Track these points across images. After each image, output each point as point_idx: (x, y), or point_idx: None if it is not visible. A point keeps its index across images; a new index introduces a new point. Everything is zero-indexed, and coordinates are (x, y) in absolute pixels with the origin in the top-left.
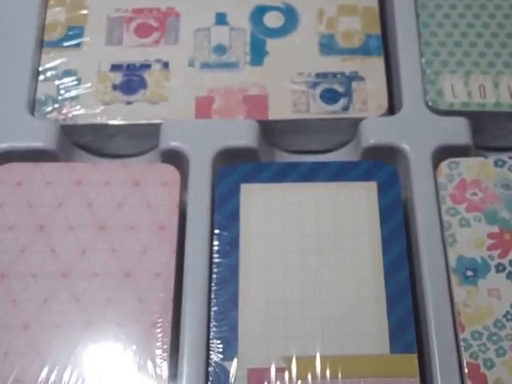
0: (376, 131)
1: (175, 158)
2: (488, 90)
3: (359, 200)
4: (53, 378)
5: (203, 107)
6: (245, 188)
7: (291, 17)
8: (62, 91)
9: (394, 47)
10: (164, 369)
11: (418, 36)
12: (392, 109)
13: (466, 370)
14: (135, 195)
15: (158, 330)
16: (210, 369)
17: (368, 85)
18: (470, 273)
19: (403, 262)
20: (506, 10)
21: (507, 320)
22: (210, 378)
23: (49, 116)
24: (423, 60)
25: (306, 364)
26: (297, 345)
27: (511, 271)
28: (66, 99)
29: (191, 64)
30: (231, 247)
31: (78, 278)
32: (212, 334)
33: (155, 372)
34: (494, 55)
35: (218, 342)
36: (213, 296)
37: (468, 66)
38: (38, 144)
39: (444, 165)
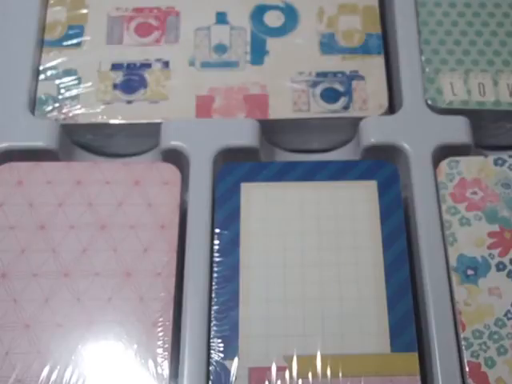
0: (376, 130)
1: (176, 158)
2: (487, 88)
3: (359, 199)
4: (54, 377)
5: (203, 106)
6: (245, 187)
7: (291, 16)
8: (62, 90)
9: (393, 46)
10: (165, 368)
11: (418, 34)
12: (392, 108)
13: (467, 369)
14: (136, 194)
15: (159, 329)
16: (210, 368)
17: (368, 84)
18: (470, 271)
19: (404, 261)
20: (506, 9)
21: (508, 319)
22: (211, 377)
23: (49, 115)
24: (422, 58)
25: (306, 363)
26: (297, 344)
27: None
28: (66, 98)
29: (192, 63)
30: (232, 246)
31: (78, 278)
32: (213, 332)
33: (156, 371)
34: (494, 53)
35: (219, 341)
36: (213, 295)
37: (467, 64)
38: (38, 143)
39: (444, 164)
